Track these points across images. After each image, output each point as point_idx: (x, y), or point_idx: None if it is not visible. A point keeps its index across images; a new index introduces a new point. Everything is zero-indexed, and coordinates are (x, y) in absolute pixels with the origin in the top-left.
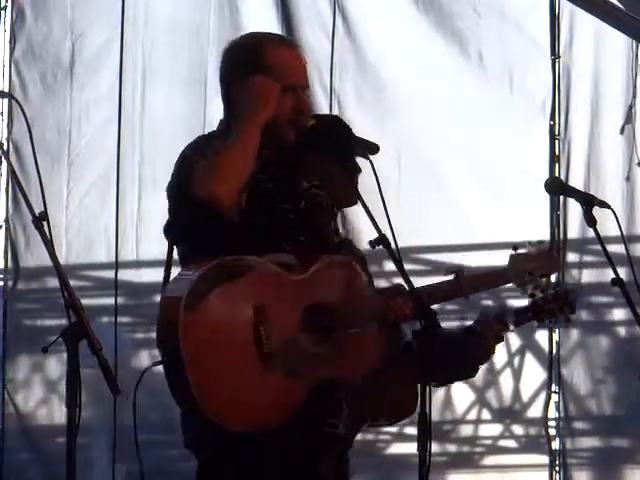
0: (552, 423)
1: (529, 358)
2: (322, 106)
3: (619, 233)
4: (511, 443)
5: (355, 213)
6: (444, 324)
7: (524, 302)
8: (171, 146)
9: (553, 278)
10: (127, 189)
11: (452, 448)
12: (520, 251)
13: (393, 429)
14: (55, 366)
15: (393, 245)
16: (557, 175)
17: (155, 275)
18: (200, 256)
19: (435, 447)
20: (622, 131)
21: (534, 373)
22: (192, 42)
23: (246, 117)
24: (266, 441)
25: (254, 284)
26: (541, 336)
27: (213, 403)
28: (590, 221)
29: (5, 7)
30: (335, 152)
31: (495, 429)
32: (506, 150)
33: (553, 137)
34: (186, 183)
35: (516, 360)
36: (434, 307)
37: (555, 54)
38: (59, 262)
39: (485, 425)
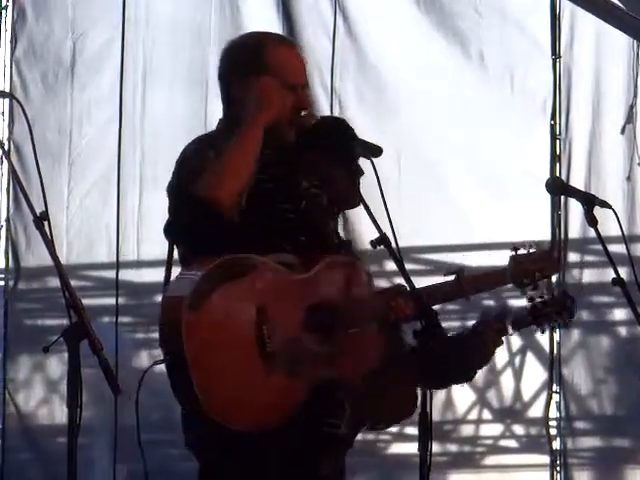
0: (553, 423)
1: (530, 358)
2: (323, 106)
3: (620, 233)
4: (512, 443)
5: (356, 213)
6: (445, 324)
7: (523, 303)
8: (172, 146)
9: (554, 278)
10: (128, 189)
11: (453, 448)
12: (519, 252)
13: (394, 429)
14: (56, 366)
15: (394, 245)
16: (558, 175)
17: (156, 275)
18: (201, 256)
19: (436, 447)
20: (623, 131)
21: (535, 373)
22: (193, 42)
23: (249, 117)
24: (267, 441)
25: (257, 284)
26: (542, 336)
27: (216, 402)
28: (591, 221)
29: (6, 7)
30: (337, 154)
31: (496, 429)
32: (507, 150)
33: (554, 137)
34: (186, 182)
35: (517, 360)
36: (435, 307)
37: (556, 54)
38: (60, 262)
39: (486, 425)
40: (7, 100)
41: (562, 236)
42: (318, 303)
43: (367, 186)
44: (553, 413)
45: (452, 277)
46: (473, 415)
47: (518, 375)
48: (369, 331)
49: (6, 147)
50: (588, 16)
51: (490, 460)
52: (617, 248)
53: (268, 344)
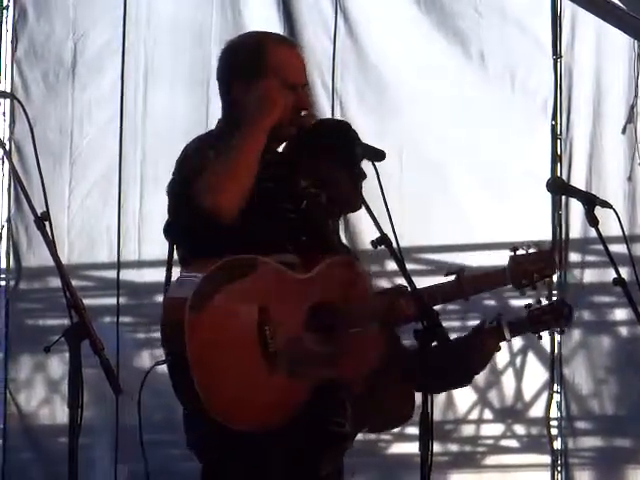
0: (554, 423)
1: (531, 358)
2: (324, 106)
3: (621, 233)
4: (513, 443)
5: (357, 213)
6: (445, 324)
7: (526, 302)
8: (173, 146)
9: (555, 278)
10: (129, 189)
11: (454, 448)
12: (518, 253)
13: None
14: (57, 366)
15: (395, 245)
16: (559, 175)
17: (157, 275)
18: (201, 257)
19: (437, 447)
20: (624, 131)
21: (536, 373)
22: (194, 42)
23: (252, 120)
24: (269, 441)
25: (258, 284)
26: (543, 336)
27: (218, 403)
28: (592, 221)
29: (7, 7)
30: (339, 156)
31: (497, 429)
32: (508, 150)
33: (555, 137)
34: (187, 184)
35: (518, 360)
36: (435, 307)
37: (557, 54)
38: (61, 262)
39: (487, 425)
40: (8, 100)
41: (563, 236)
42: (319, 303)
43: (368, 186)
44: (554, 413)
45: (452, 277)
46: (474, 415)
47: (519, 375)
48: (370, 331)
49: (7, 147)
50: (589, 16)
51: (491, 460)
52: (618, 248)
53: (270, 344)
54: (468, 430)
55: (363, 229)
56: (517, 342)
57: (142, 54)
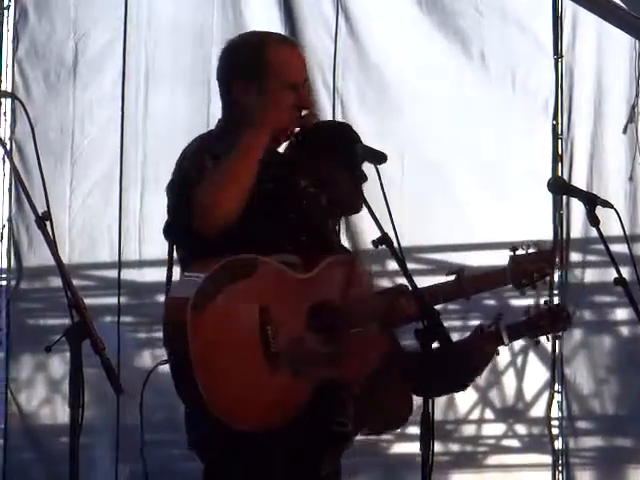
0: (555, 423)
1: (532, 358)
2: (325, 106)
3: (622, 233)
4: (514, 443)
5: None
6: (446, 324)
7: (526, 302)
8: (174, 146)
9: (556, 278)
10: (130, 189)
11: (455, 448)
12: (518, 252)
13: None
14: (58, 366)
15: (396, 244)
16: (560, 175)
17: (158, 275)
18: (201, 258)
19: (438, 447)
20: (625, 130)
21: (537, 373)
22: (195, 43)
23: (255, 123)
24: (271, 441)
25: (260, 284)
26: (540, 340)
27: (220, 402)
28: (593, 221)
29: (8, 6)
30: (340, 158)
31: (498, 429)
32: (509, 150)
33: (556, 137)
34: (186, 185)
35: (519, 360)
36: (436, 307)
37: (558, 54)
38: (62, 261)
39: (488, 425)
40: (9, 100)
41: (564, 236)
42: (320, 303)
43: (369, 185)
44: (555, 413)
45: (452, 277)
46: (475, 415)
47: (520, 375)
48: (371, 331)
49: (8, 147)
50: (590, 16)
51: (492, 460)
52: (619, 248)
53: (272, 344)
54: (469, 430)
55: (364, 229)
56: (518, 342)
57: (143, 54)
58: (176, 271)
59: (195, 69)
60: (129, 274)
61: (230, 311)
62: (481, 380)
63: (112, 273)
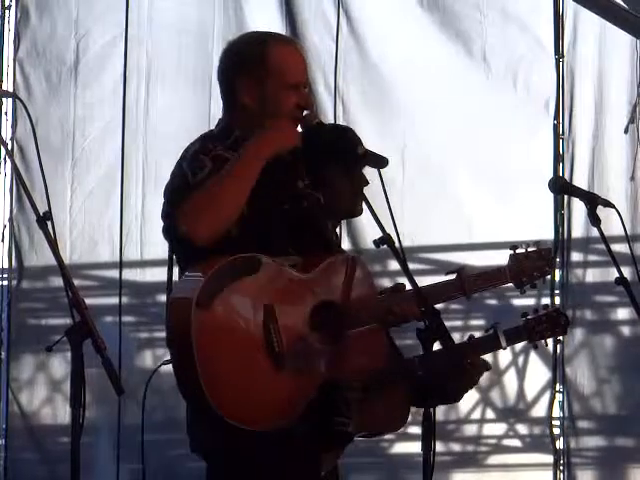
0: (556, 422)
1: (533, 358)
2: (326, 106)
3: (623, 232)
4: (515, 442)
5: None
6: (447, 324)
7: (527, 302)
8: (175, 146)
9: (557, 277)
10: (131, 188)
11: (456, 447)
12: (518, 251)
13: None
14: (59, 365)
15: (397, 244)
16: (561, 174)
17: (159, 275)
18: (201, 258)
19: (439, 446)
20: (626, 130)
21: (538, 372)
22: (196, 42)
23: (255, 151)
24: (273, 441)
25: (263, 283)
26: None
27: (224, 401)
28: (594, 220)
29: (9, 6)
30: (341, 163)
31: (499, 428)
32: (510, 150)
33: (557, 136)
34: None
35: (520, 359)
36: (437, 306)
37: (559, 53)
38: (63, 261)
39: (489, 424)
40: (10, 100)
41: (565, 236)
42: (323, 302)
43: (371, 186)
44: (556, 413)
45: (453, 276)
46: (476, 415)
47: (521, 375)
48: (373, 330)
49: (9, 147)
50: (591, 15)
51: (493, 459)
52: (620, 247)
53: (276, 343)
54: (470, 430)
55: (365, 229)
56: None
57: (144, 54)
58: (177, 271)
59: (196, 69)
60: (130, 274)
61: (234, 310)
62: (482, 380)
63: (113, 273)
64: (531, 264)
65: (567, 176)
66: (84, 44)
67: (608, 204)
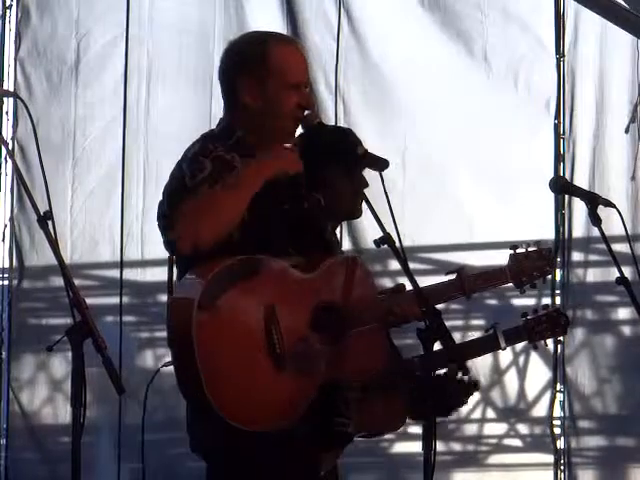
0: (557, 422)
1: (534, 357)
2: (327, 105)
3: (624, 232)
4: (516, 442)
5: None
6: (448, 323)
7: (527, 302)
8: (176, 146)
9: (558, 277)
10: (132, 188)
11: (457, 447)
12: (518, 251)
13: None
14: (60, 365)
15: (397, 244)
16: (562, 174)
17: (160, 274)
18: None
19: (440, 446)
20: (627, 130)
21: (539, 372)
22: (197, 42)
23: (254, 173)
24: (274, 441)
25: (264, 283)
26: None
27: (225, 402)
28: (595, 220)
29: (10, 6)
30: (341, 164)
31: (500, 428)
32: (510, 149)
33: (558, 136)
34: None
35: (521, 359)
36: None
37: (560, 53)
38: (64, 261)
39: (490, 424)
40: (11, 99)
41: (566, 235)
42: (324, 303)
43: (372, 186)
44: (557, 412)
45: (453, 276)
46: (477, 414)
47: (522, 374)
48: (373, 331)
49: (10, 146)
50: (592, 15)
51: (494, 459)
52: (621, 247)
53: (277, 344)
54: (471, 429)
55: (366, 229)
56: None
57: (145, 53)
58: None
59: (197, 68)
60: (131, 274)
61: (235, 311)
62: (483, 380)
63: (114, 273)
64: (531, 264)
65: (568, 176)
66: (85, 44)
67: (609, 204)
